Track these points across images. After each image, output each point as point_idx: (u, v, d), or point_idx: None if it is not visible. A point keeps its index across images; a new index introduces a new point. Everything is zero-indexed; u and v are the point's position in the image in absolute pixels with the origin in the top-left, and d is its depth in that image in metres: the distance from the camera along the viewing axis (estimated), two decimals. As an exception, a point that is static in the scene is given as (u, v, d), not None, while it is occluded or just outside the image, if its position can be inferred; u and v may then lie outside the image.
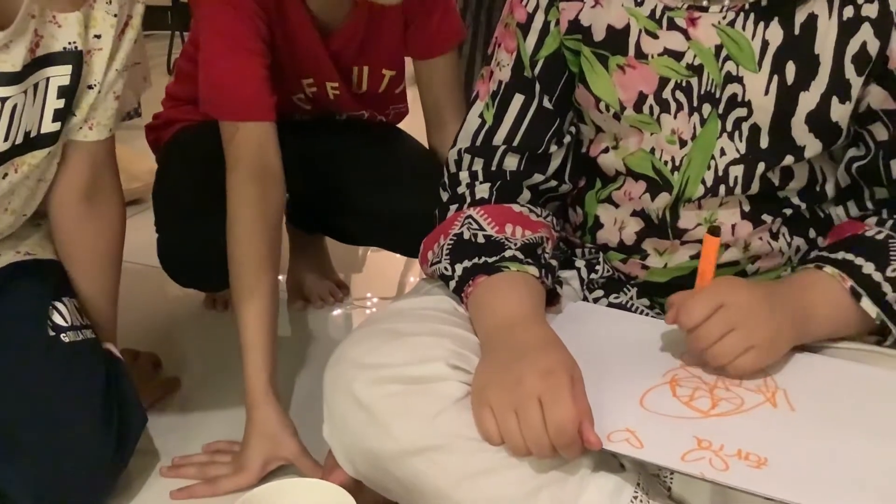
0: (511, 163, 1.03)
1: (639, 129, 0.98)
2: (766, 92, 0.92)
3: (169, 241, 1.40)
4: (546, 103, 1.03)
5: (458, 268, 0.95)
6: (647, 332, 0.97)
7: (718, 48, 0.93)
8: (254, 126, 1.20)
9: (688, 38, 0.93)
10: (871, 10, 0.90)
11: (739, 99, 0.93)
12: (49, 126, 1.03)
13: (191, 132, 1.44)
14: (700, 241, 0.98)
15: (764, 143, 0.95)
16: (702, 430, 0.82)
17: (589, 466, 0.84)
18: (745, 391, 0.88)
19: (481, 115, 1.05)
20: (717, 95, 0.94)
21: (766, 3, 0.91)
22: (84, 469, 1.03)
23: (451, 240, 0.98)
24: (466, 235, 0.98)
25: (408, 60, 1.46)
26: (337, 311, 1.70)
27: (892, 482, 0.77)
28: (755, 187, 0.96)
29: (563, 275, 1.05)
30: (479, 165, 1.04)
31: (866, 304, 0.90)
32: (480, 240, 0.97)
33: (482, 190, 1.02)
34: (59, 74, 1.01)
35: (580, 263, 1.07)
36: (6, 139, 0.98)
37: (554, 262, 0.99)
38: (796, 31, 0.91)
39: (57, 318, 1.08)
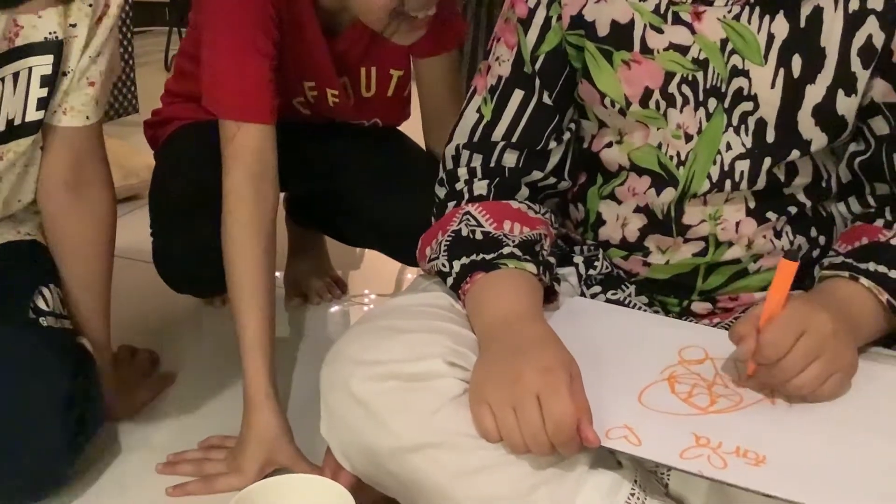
0: (510, 159, 1.02)
1: (645, 124, 0.97)
2: (773, 85, 0.92)
3: (164, 249, 1.40)
4: (546, 99, 1.02)
5: (456, 264, 0.95)
6: (645, 328, 0.97)
7: (724, 42, 0.92)
8: (255, 128, 1.19)
9: (693, 32, 0.93)
10: (876, 3, 0.90)
11: (745, 93, 0.93)
12: (33, 115, 1.06)
13: (188, 131, 1.43)
14: (704, 239, 0.98)
15: (770, 137, 0.94)
16: (700, 427, 0.82)
17: (586, 463, 0.83)
18: (744, 388, 0.87)
19: (479, 110, 1.04)
20: (723, 89, 0.93)
21: None
22: (36, 460, 1.02)
23: (448, 236, 0.98)
24: (464, 232, 0.97)
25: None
26: (334, 308, 1.70)
27: (891, 480, 0.77)
28: (761, 182, 0.96)
29: (560, 271, 1.05)
30: (477, 162, 1.03)
31: None
32: (478, 236, 0.96)
33: (480, 186, 1.01)
34: (42, 64, 1.04)
35: (578, 259, 1.06)
36: None
37: (552, 260, 0.99)
38: (802, 24, 0.90)
39: (40, 302, 1.09)
